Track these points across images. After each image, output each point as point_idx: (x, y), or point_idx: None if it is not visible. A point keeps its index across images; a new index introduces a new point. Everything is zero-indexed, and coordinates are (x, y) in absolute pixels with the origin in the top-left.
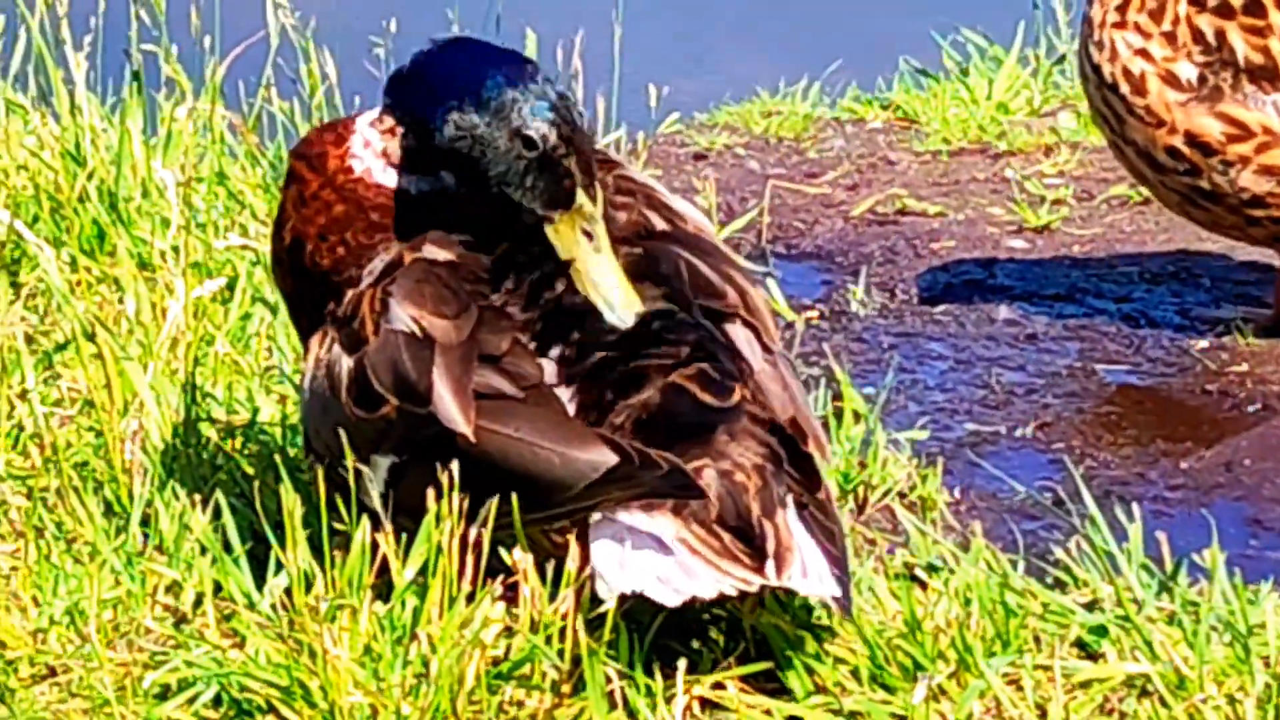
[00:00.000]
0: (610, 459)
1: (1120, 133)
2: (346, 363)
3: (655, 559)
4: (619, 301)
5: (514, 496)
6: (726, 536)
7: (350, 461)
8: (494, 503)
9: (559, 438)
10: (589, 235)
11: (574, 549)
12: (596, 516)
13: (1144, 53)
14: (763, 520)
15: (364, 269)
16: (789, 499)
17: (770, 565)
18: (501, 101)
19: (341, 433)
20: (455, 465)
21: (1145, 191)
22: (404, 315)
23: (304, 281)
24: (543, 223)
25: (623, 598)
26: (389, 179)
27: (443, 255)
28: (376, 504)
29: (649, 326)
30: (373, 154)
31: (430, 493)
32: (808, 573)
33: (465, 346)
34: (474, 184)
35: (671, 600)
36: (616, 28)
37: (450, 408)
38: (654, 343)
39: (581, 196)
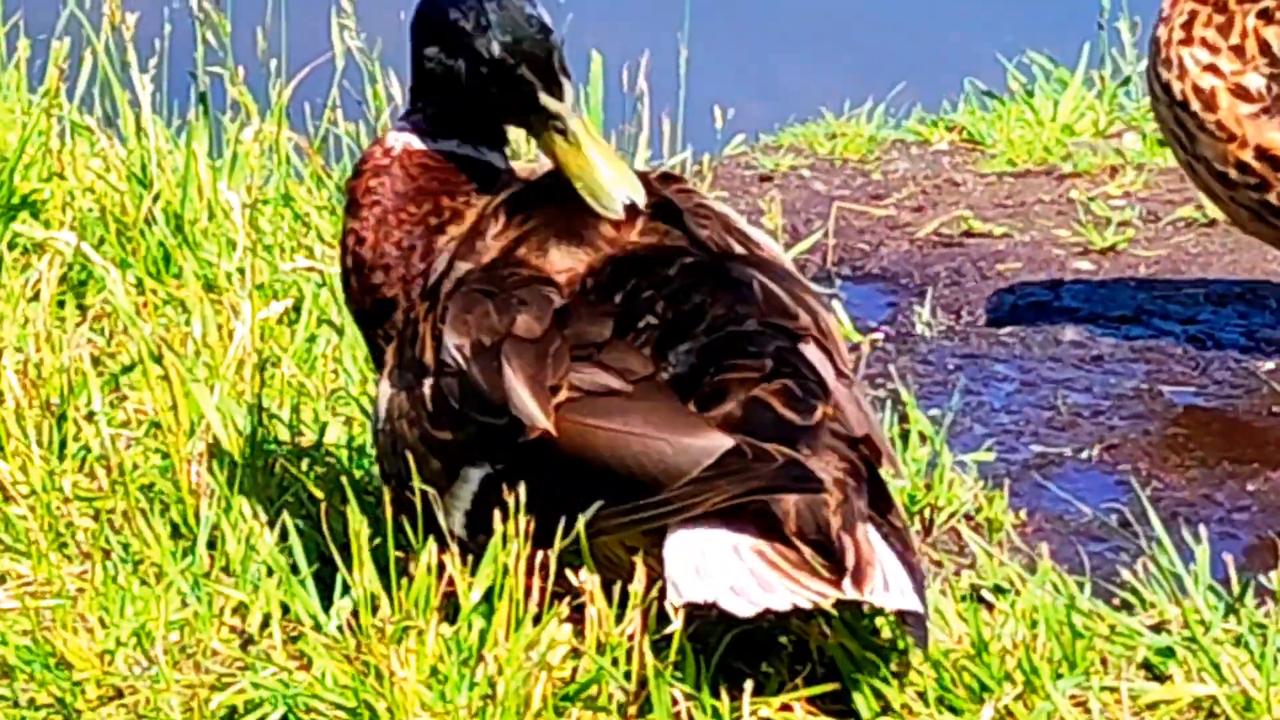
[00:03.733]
0: (725, 443)
1: (1192, 150)
2: (423, 385)
3: (730, 569)
4: (609, 181)
5: (619, 495)
6: (806, 550)
7: (417, 483)
8: (596, 506)
9: (671, 427)
10: (562, 132)
11: (640, 570)
12: (674, 526)
13: (1213, 68)
14: (842, 534)
15: (426, 267)
16: (869, 514)
17: (849, 580)
18: (453, 26)
19: (425, 450)
20: (551, 469)
21: (1212, 213)
22: (451, 345)
23: (372, 297)
24: (533, 138)
25: (694, 607)
26: (427, 145)
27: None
28: (457, 523)
29: (731, 338)
30: (407, 132)
31: (513, 505)
32: (889, 586)
33: (543, 343)
34: (466, 120)
35: (744, 610)
36: (682, 50)
37: (527, 405)
38: (736, 355)
39: (544, 98)
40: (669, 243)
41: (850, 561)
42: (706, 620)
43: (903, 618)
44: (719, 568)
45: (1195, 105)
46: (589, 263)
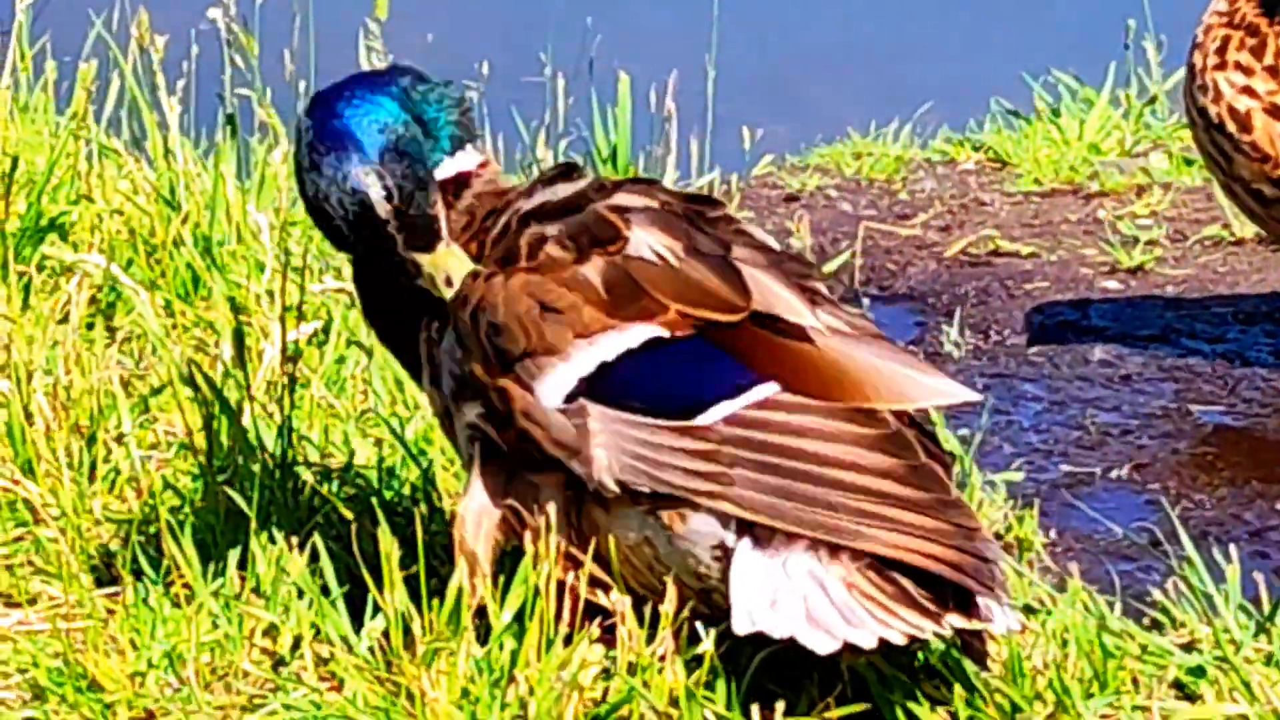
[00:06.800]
0: (969, 394)
1: (1229, 172)
2: (588, 270)
3: (812, 600)
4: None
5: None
6: (906, 581)
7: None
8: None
9: (919, 367)
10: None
11: (672, 590)
12: (747, 545)
13: (1248, 90)
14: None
15: None
16: None
17: (954, 611)
18: (333, 180)
19: (575, 296)
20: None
21: (1238, 231)
22: (654, 241)
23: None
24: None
25: (764, 638)
26: None
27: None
28: (569, 380)
29: None
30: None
31: (543, 526)
32: (993, 610)
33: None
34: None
35: (825, 647)
36: (710, 70)
37: (793, 301)
38: None
39: (409, 254)
40: None
41: (950, 591)
42: (737, 639)
43: (965, 638)
44: (798, 598)
45: (1231, 127)
46: None
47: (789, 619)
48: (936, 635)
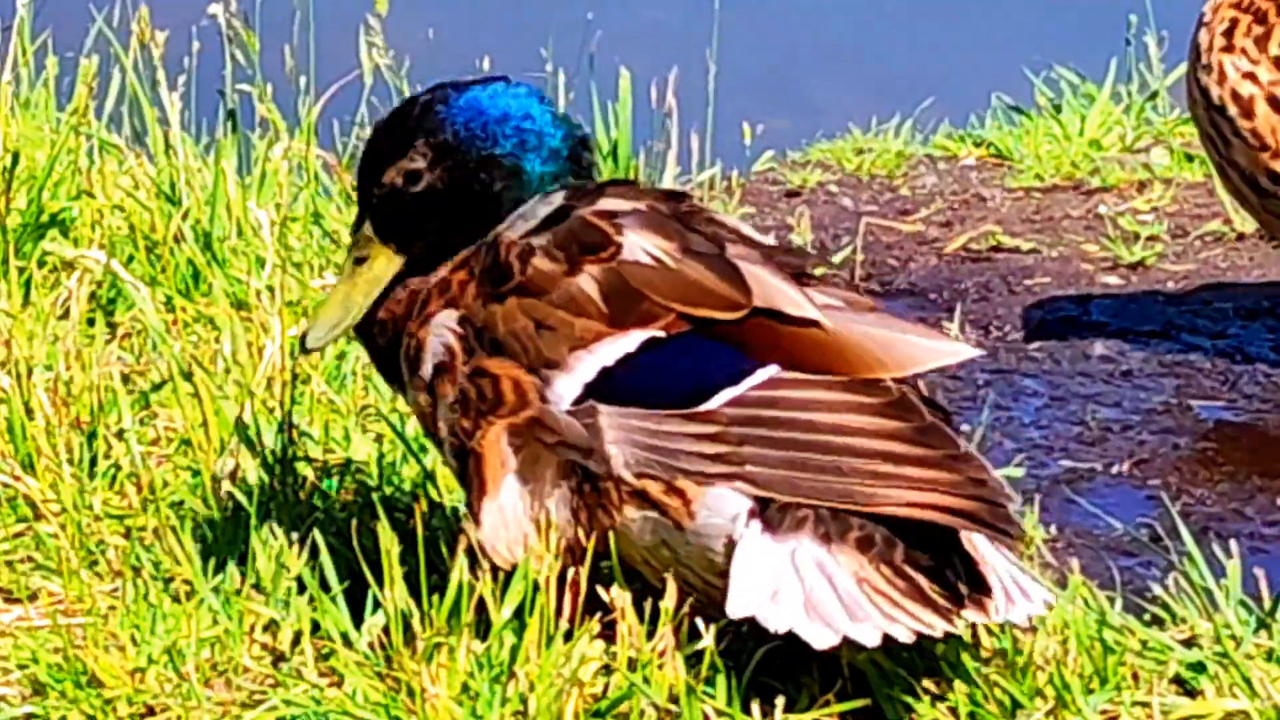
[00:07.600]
0: (972, 351)
1: (1226, 155)
2: (584, 281)
3: (815, 592)
4: (320, 318)
5: None
6: (919, 577)
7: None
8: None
9: (918, 331)
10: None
11: (672, 586)
12: (755, 530)
13: (1252, 76)
14: (955, 559)
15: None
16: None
17: (970, 605)
18: None
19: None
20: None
21: (1238, 223)
22: (649, 245)
23: None
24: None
25: (754, 623)
26: None
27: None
28: (584, 377)
29: None
30: None
31: (544, 521)
32: (1011, 598)
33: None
34: None
35: (824, 641)
36: (711, 65)
37: (792, 294)
38: None
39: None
40: None
41: (966, 587)
42: (738, 635)
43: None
44: (799, 590)
45: (1233, 110)
46: None
47: (788, 611)
48: (948, 634)
